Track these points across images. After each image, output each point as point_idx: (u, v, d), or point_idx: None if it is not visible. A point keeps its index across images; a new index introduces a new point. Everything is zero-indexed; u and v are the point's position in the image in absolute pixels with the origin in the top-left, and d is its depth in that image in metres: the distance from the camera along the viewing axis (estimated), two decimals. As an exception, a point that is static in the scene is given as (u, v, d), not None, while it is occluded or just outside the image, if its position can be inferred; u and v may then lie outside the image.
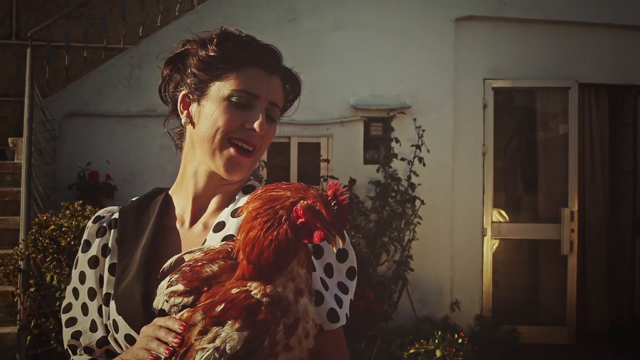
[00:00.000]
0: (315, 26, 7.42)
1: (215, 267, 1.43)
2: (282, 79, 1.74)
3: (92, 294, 1.71)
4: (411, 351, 5.74)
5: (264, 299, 1.34)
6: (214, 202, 1.73)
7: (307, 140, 7.47)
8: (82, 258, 1.75)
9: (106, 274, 1.71)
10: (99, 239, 1.75)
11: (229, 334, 1.29)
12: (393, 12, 7.51)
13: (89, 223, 1.79)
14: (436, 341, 5.72)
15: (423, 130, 7.13)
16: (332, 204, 1.35)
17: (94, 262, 1.73)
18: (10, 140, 7.62)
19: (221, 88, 1.66)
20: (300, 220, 1.35)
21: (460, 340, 5.75)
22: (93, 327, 1.70)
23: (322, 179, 7.23)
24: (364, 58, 7.47)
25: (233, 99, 1.65)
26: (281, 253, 1.34)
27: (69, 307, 1.75)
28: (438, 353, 5.59)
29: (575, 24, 7.75)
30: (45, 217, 5.41)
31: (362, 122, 7.49)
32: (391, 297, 7.16)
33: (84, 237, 1.77)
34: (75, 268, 1.77)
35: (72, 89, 7.20)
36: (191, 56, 1.70)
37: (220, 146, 1.65)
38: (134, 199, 1.83)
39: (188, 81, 1.70)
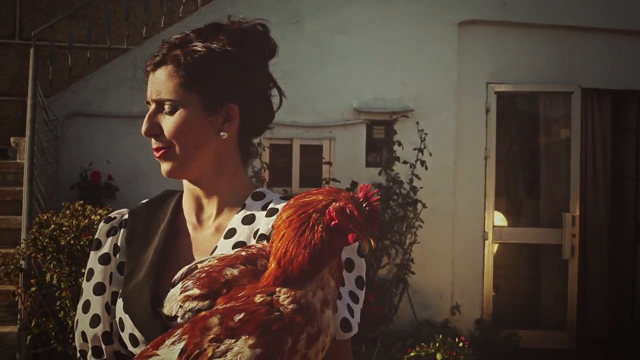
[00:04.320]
0: (318, 29, 7.43)
1: (235, 271, 1.42)
2: (172, 61, 1.66)
3: (99, 289, 1.71)
4: (412, 354, 5.74)
5: (291, 306, 1.33)
6: (219, 205, 1.72)
7: (310, 142, 7.48)
8: (93, 256, 1.75)
9: (115, 273, 1.72)
10: (110, 237, 1.75)
11: (241, 349, 1.27)
12: (396, 16, 7.51)
13: (101, 223, 1.79)
14: (437, 345, 5.72)
15: (425, 134, 7.12)
16: (364, 205, 1.36)
17: (105, 259, 1.73)
18: (12, 139, 7.63)
19: None
20: (333, 222, 1.35)
21: (460, 344, 5.75)
22: (94, 322, 1.69)
23: (324, 182, 7.23)
24: (367, 61, 7.47)
25: None
26: (315, 257, 1.34)
27: (80, 309, 1.75)
28: (439, 356, 5.59)
29: (578, 29, 7.75)
30: (45, 217, 5.42)
31: (365, 125, 7.49)
32: (392, 300, 7.16)
33: (96, 236, 1.78)
34: (85, 271, 1.77)
35: (75, 89, 7.21)
36: None
37: None
38: (144, 200, 1.83)
39: None
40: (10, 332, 5.79)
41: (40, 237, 5.21)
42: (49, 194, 6.68)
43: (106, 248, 1.74)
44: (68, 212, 5.46)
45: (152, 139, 1.68)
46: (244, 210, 1.68)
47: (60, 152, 7.06)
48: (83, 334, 1.71)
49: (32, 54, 6.98)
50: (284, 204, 1.62)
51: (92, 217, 5.25)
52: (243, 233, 1.63)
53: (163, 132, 1.65)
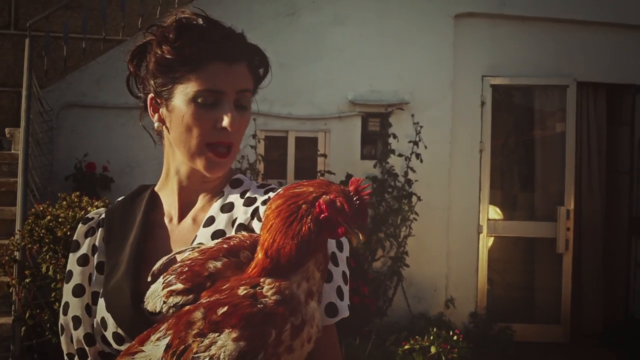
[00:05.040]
0: (314, 21, 7.41)
1: (218, 264, 1.41)
2: (248, 60, 1.63)
3: (78, 290, 1.69)
4: (406, 347, 5.75)
5: (275, 297, 1.33)
6: (200, 197, 1.71)
7: (305, 134, 7.47)
8: (72, 258, 1.74)
9: (94, 273, 1.70)
10: (89, 238, 1.74)
11: (225, 342, 1.27)
12: (393, 8, 7.51)
13: (79, 225, 1.77)
14: (431, 338, 5.73)
15: (421, 127, 7.12)
16: (354, 199, 1.36)
17: (83, 260, 1.72)
18: (7, 130, 7.61)
19: (185, 90, 1.59)
20: (323, 215, 1.35)
21: (455, 337, 5.76)
22: (75, 324, 1.68)
23: (319, 174, 7.23)
24: (363, 53, 7.47)
25: (199, 100, 1.58)
26: (302, 248, 1.34)
27: (61, 312, 1.74)
28: (433, 349, 5.60)
29: (574, 22, 7.76)
30: (41, 208, 5.41)
31: (360, 118, 7.49)
32: (386, 293, 7.16)
33: (74, 237, 1.76)
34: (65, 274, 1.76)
35: (70, 80, 7.19)
36: (150, 53, 1.66)
37: (198, 151, 1.60)
38: (119, 198, 1.81)
39: (152, 82, 1.65)
40: (5, 324, 5.79)
41: (37, 228, 5.20)
42: (44, 185, 6.67)
43: (84, 249, 1.73)
44: (64, 203, 5.45)
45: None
46: (222, 198, 1.67)
47: (55, 143, 7.05)
48: (71, 338, 1.70)
49: (27, 44, 6.95)
50: (261, 191, 1.64)
51: (89, 208, 5.25)
52: (222, 221, 1.63)
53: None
